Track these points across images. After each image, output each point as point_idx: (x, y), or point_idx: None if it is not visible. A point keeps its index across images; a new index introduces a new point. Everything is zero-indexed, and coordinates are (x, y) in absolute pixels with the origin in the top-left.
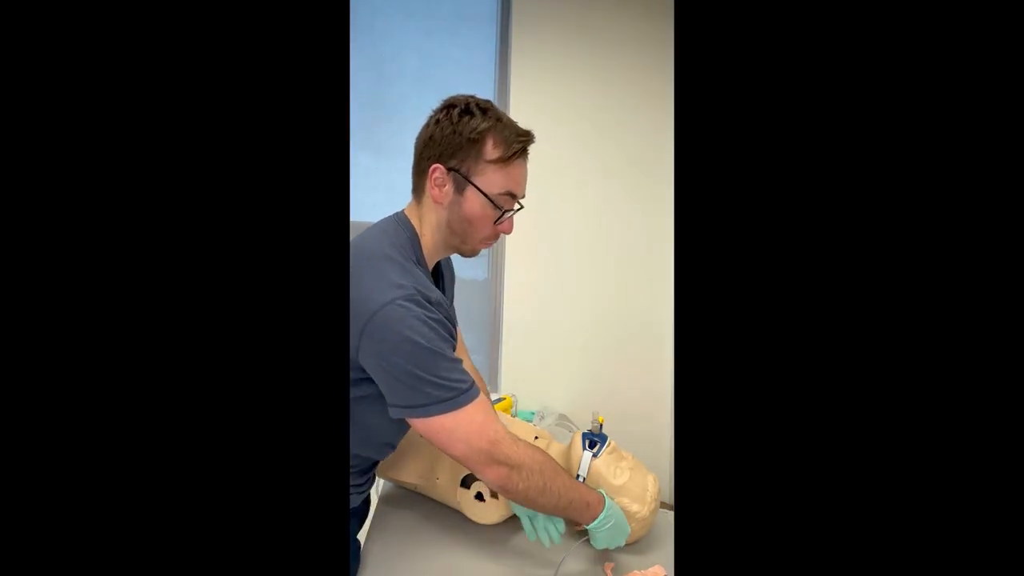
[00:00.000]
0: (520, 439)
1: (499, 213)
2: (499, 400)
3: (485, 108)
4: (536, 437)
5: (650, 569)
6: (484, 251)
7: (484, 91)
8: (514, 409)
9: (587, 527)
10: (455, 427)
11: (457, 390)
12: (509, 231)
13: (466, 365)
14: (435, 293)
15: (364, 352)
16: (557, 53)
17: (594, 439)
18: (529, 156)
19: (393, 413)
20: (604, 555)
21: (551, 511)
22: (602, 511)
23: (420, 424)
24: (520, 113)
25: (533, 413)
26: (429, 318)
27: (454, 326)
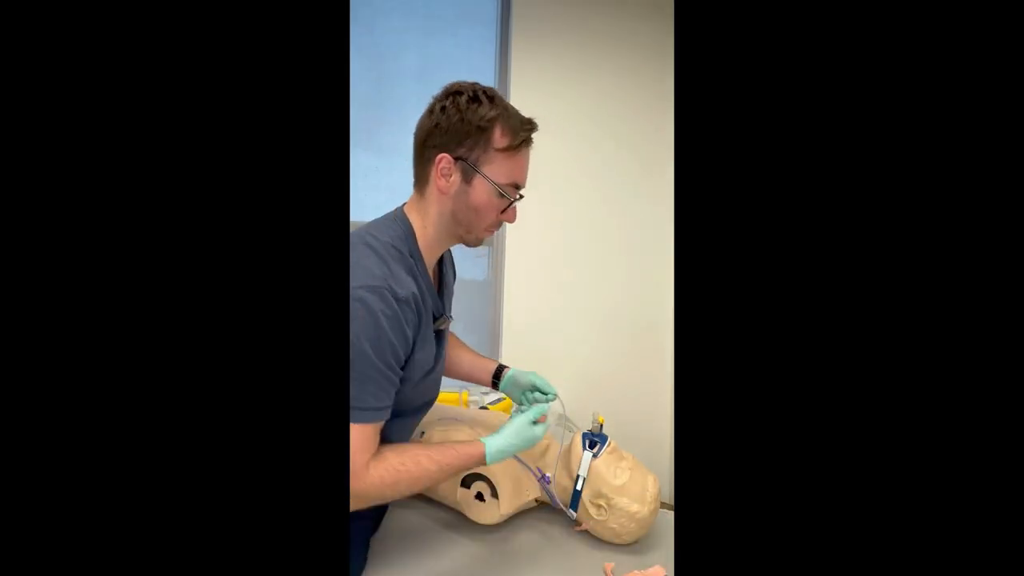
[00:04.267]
0: (389, 457)
1: (506, 203)
2: (499, 400)
3: (492, 96)
4: None
5: (650, 569)
6: (484, 251)
7: None
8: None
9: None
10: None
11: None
12: (513, 220)
13: (465, 354)
14: (404, 290)
15: None
16: (557, 53)
17: (594, 439)
18: (529, 155)
19: None
20: (604, 555)
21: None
22: (484, 452)
23: None
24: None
25: None
26: (384, 314)
27: (426, 318)
